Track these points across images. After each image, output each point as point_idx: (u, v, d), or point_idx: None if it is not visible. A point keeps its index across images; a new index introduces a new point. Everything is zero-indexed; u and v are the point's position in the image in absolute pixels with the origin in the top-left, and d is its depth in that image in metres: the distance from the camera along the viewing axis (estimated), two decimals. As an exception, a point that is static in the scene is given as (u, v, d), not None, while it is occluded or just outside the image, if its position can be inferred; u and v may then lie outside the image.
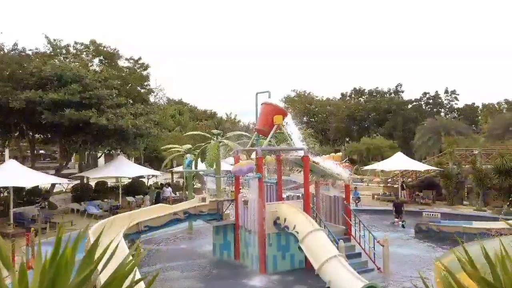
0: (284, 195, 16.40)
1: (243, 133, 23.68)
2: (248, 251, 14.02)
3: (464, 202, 26.01)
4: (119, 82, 23.41)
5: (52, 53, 23.93)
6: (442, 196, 27.42)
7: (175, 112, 48.54)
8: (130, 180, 29.08)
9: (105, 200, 25.10)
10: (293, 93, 74.40)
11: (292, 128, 14.96)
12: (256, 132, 15.93)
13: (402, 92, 69.73)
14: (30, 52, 23.31)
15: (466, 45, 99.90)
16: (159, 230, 15.20)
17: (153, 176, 30.12)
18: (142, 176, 29.14)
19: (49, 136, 25.76)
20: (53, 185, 25.06)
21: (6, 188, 20.17)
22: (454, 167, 27.53)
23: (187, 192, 23.79)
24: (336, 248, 11.44)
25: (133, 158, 38.00)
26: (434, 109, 65.16)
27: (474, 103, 67.47)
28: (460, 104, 66.98)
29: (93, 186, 27.77)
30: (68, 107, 20.09)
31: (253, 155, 15.63)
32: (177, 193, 29.48)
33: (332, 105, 71.61)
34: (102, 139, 23.50)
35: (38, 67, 20.95)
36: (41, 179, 20.71)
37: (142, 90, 27.24)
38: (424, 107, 66.38)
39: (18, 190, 21.44)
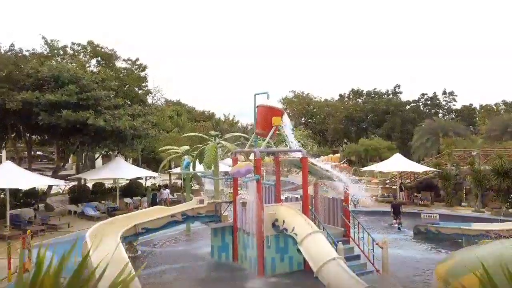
0: (282, 197, 16.32)
1: (241, 134, 23.65)
2: (246, 253, 13.93)
3: (463, 204, 25.97)
4: (116, 83, 23.31)
5: (49, 54, 23.83)
6: (441, 198, 27.39)
7: (173, 113, 48.47)
8: (127, 182, 28.96)
9: (103, 202, 24.97)
10: (291, 94, 74.48)
11: (287, 129, 14.90)
12: (254, 134, 15.85)
13: (400, 93, 69.90)
14: (27, 53, 23.21)
15: (464, 46, 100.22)
16: (157, 232, 15.08)
17: (150, 177, 30.01)
18: (139, 178, 29.03)
19: (46, 137, 25.62)
20: (50, 187, 24.92)
21: (2, 190, 20.00)
22: (453, 168, 27.52)
23: (185, 194, 23.70)
24: (335, 250, 11.37)
25: (130, 160, 37.87)
26: (432, 110, 65.28)
27: (471, 104, 67.65)
28: (458, 105, 67.19)
29: (91, 188, 27.63)
30: (65, 108, 19.97)
31: (251, 156, 15.57)
32: (175, 194, 29.37)
33: (330, 106, 71.63)
34: (99, 140, 23.38)
35: (35, 68, 20.84)
36: (38, 181, 20.58)
37: (140, 91, 27.15)
38: (422, 108, 66.49)
39: (14, 192, 21.31)
